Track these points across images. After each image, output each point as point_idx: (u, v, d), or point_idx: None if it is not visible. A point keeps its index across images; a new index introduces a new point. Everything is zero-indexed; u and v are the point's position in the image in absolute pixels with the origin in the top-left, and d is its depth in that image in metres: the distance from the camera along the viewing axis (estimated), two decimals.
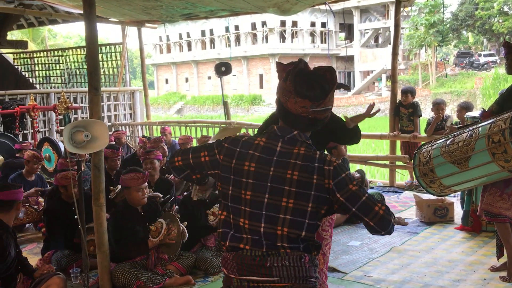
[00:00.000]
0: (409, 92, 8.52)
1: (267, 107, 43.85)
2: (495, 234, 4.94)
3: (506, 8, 43.40)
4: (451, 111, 22.32)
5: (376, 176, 11.50)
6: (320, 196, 2.18)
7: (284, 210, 2.18)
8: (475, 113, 6.09)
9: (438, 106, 8.12)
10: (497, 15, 43.00)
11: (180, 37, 54.07)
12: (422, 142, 4.99)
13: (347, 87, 2.45)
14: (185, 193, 6.29)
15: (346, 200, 2.17)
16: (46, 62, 16.37)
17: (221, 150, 2.33)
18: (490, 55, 44.28)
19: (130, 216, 4.85)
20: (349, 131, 3.54)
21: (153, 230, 4.79)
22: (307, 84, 2.19)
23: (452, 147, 4.39)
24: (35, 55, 17.08)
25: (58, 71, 15.97)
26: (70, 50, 16.30)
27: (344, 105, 40.04)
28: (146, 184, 4.97)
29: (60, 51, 16.70)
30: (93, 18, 4.31)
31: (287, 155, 2.22)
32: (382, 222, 2.17)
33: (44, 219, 5.35)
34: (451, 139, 4.49)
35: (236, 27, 48.48)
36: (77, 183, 4.57)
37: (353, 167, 8.51)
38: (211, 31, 50.91)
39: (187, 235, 4.94)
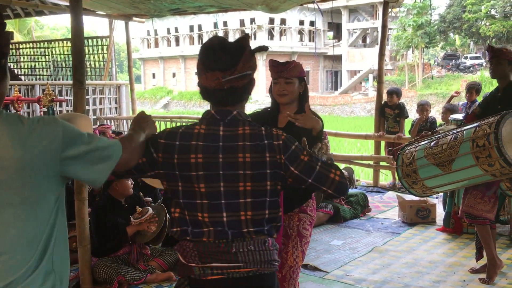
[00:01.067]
0: (394, 93, 8.56)
1: (254, 104, 43.80)
2: (475, 236, 4.99)
3: (493, 12, 43.79)
4: (436, 113, 22.47)
5: (361, 176, 11.54)
6: (276, 172, 2.13)
7: (243, 194, 2.11)
8: (459, 115, 6.14)
9: (423, 107, 8.17)
10: (484, 18, 43.36)
11: (168, 32, 53.83)
12: (405, 143, 5.01)
13: (265, 48, 2.25)
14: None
15: (300, 173, 2.14)
16: (32, 53, 16.22)
17: (158, 148, 2.16)
18: (477, 57, 44.62)
19: (113, 208, 4.83)
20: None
21: (137, 212, 4.79)
22: (214, 56, 2.11)
23: (436, 149, 4.42)
24: (20, 46, 16.90)
25: (44, 63, 15.82)
26: (57, 42, 16.16)
27: (330, 104, 40.18)
28: None
29: (46, 43, 16.54)
30: (79, 11, 4.28)
31: (233, 138, 2.12)
32: (339, 187, 2.18)
33: None
34: (435, 141, 4.52)
35: (225, 23, 48.38)
36: None
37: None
38: (200, 27, 50.75)
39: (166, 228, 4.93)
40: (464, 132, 4.29)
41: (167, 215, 4.88)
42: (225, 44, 2.15)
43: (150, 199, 5.65)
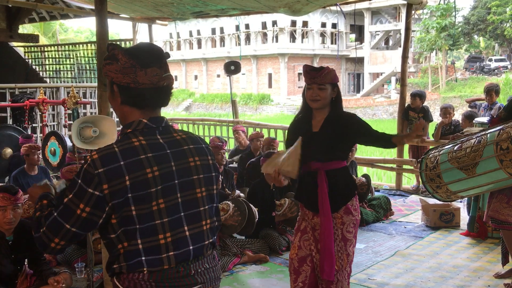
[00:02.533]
0: (418, 95, 8.48)
1: (275, 107, 43.83)
2: (500, 241, 4.92)
3: None
4: (460, 116, 22.19)
5: (383, 179, 11.47)
6: (216, 175, 2.11)
7: (201, 201, 2.02)
8: (484, 118, 6.06)
9: (446, 110, 8.09)
10: (510, 20, 42.75)
11: (190, 35, 54.14)
12: (431, 147, 4.97)
13: (168, 55, 2.06)
14: None
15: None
16: (57, 56, 16.43)
17: (98, 181, 1.84)
18: (501, 60, 44.02)
19: None
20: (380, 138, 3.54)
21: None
22: (147, 54, 1.96)
23: (460, 153, 4.37)
24: (45, 49, 17.13)
25: (68, 66, 16.03)
26: (81, 45, 16.34)
27: (352, 106, 39.96)
28: None
29: (70, 46, 16.74)
30: (104, 14, 4.33)
31: (176, 144, 2.00)
32: None
33: None
34: (458, 145, 4.47)
35: (247, 26, 48.49)
36: None
37: (360, 170, 8.48)
38: (221, 29, 50.95)
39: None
40: (488, 135, 4.24)
41: (250, 206, 5.27)
42: (145, 45, 2.05)
43: None
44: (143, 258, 1.90)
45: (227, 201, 5.31)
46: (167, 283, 1.92)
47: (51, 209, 1.95)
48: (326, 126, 3.35)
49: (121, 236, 1.89)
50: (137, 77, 1.93)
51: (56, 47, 17.21)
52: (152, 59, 1.95)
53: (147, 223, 1.89)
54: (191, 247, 1.97)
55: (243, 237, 5.72)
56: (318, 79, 3.33)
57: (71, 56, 15.91)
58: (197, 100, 50.20)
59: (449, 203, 6.49)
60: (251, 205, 5.39)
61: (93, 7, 5.49)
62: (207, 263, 2.04)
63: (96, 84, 4.43)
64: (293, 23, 46.53)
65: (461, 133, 4.87)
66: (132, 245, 1.89)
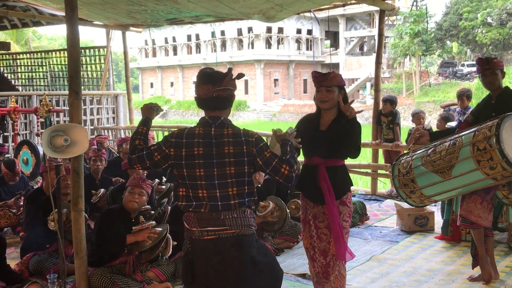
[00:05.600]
0: (388, 101, 8.56)
1: (252, 113, 43.90)
2: (471, 244, 4.97)
3: (489, 19, 43.97)
4: (434, 120, 22.50)
5: (359, 184, 11.53)
6: (250, 160, 3.02)
7: (229, 175, 2.99)
8: (454, 123, 6.14)
9: (418, 115, 8.19)
10: (481, 26, 43.53)
11: (166, 41, 53.96)
12: (405, 151, 5.01)
13: (242, 75, 3.21)
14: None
15: (263, 164, 3.02)
16: (29, 64, 16.22)
17: (170, 145, 3.04)
18: (473, 65, 44.48)
19: (118, 217, 4.79)
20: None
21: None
22: (208, 76, 3.08)
23: (434, 156, 4.40)
24: (18, 57, 16.91)
25: (41, 74, 15.83)
26: (54, 53, 16.15)
27: None
28: (140, 189, 4.90)
29: (43, 53, 16.55)
30: (75, 21, 4.27)
31: (221, 136, 3.01)
32: (287, 179, 3.03)
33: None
34: (432, 148, 4.51)
35: (222, 33, 48.53)
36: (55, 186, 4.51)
37: None
38: (197, 36, 50.90)
39: (170, 251, 4.89)
40: (463, 137, 4.28)
41: (169, 235, 4.88)
42: (214, 71, 3.11)
43: (149, 206, 5.63)
44: (192, 203, 3.00)
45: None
46: (204, 221, 2.98)
47: (143, 147, 3.17)
48: (332, 126, 3.73)
49: (180, 184, 3.06)
50: (198, 91, 3.11)
51: (28, 54, 17.00)
52: (209, 79, 3.05)
53: (192, 181, 3.00)
54: (219, 203, 2.98)
55: None
56: (326, 82, 3.69)
57: (44, 64, 15.73)
58: (174, 107, 49.99)
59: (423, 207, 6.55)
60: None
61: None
62: (236, 213, 2.99)
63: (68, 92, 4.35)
64: (269, 30, 46.71)
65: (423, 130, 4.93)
66: (186, 192, 3.03)
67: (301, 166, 3.83)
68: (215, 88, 3.02)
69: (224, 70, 3.20)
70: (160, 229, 4.82)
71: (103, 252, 4.73)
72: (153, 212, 5.53)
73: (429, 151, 4.50)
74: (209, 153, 2.98)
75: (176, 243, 4.93)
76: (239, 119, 42.88)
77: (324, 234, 3.78)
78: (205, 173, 2.97)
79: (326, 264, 3.76)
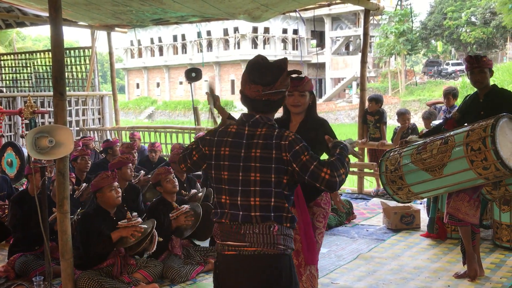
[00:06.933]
0: (374, 100, 8.61)
1: (239, 113, 43.64)
2: (459, 241, 5.02)
3: (473, 19, 44.40)
4: (419, 119, 22.60)
5: (345, 183, 11.57)
6: (279, 167, 2.59)
7: (253, 183, 2.60)
8: (437, 122, 6.19)
9: (404, 116, 8.24)
10: (465, 25, 43.92)
11: (152, 42, 53.73)
12: (387, 150, 5.04)
13: (299, 72, 2.85)
14: (154, 199, 6.25)
15: (300, 170, 2.57)
16: (14, 65, 16.05)
17: (205, 143, 2.76)
18: (458, 64, 45.04)
19: (101, 218, 4.77)
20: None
21: (127, 217, 4.77)
22: (258, 73, 2.62)
23: (425, 154, 4.42)
24: (2, 58, 16.73)
25: (25, 75, 15.68)
26: (38, 54, 16.01)
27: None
28: (117, 183, 4.91)
29: (28, 54, 16.40)
30: (59, 22, 4.24)
31: (252, 137, 2.63)
32: (329, 185, 2.57)
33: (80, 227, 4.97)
34: (422, 146, 4.54)
35: (208, 33, 48.43)
36: (40, 188, 4.48)
37: None
38: (183, 36, 50.74)
39: (154, 247, 4.88)
40: (455, 136, 4.31)
41: (154, 231, 4.86)
42: (268, 63, 2.66)
43: (136, 214, 5.65)
44: (217, 210, 2.71)
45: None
46: (225, 234, 2.66)
47: (192, 146, 2.85)
48: (301, 129, 3.71)
49: (213, 188, 2.82)
50: (244, 89, 2.68)
51: (12, 55, 16.81)
52: (260, 78, 2.61)
53: (218, 185, 2.70)
54: (240, 213, 2.62)
55: (207, 245, 5.67)
56: (300, 87, 3.68)
57: (29, 65, 15.57)
58: (160, 107, 49.79)
59: (409, 205, 6.60)
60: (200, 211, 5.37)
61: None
62: (258, 229, 2.60)
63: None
64: (255, 30, 46.70)
65: (407, 140, 4.95)
66: (215, 197, 2.74)
67: None
68: (266, 91, 2.62)
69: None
70: (145, 226, 4.81)
71: (92, 256, 4.71)
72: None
73: (419, 148, 4.53)
74: (236, 155, 2.63)
75: (162, 239, 4.94)
76: None
77: (297, 235, 3.66)
78: (229, 176, 2.65)
79: (298, 265, 3.76)
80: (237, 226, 2.63)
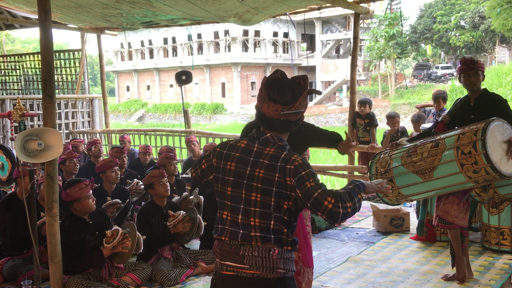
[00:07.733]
0: (365, 103, 8.65)
1: (229, 116, 43.85)
2: (448, 244, 5.04)
3: (462, 22, 44.73)
4: (409, 122, 22.71)
5: (336, 186, 11.60)
6: (281, 192, 2.49)
7: (254, 203, 2.53)
8: (429, 124, 6.22)
9: (393, 119, 8.28)
10: (454, 29, 44.25)
11: (142, 45, 53.63)
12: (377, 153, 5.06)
13: (318, 92, 2.77)
14: (143, 203, 6.23)
15: (302, 196, 2.45)
16: (3, 67, 15.95)
17: (214, 154, 2.69)
18: (447, 67, 45.39)
19: (78, 227, 4.73)
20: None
21: (108, 236, 4.68)
22: (278, 91, 2.50)
23: (415, 157, 4.45)
24: None
25: (14, 77, 15.58)
26: (27, 56, 15.91)
27: (305, 114, 40.18)
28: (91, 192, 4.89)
29: (17, 57, 16.28)
30: (48, 24, 4.23)
31: (259, 155, 2.55)
32: (330, 215, 2.44)
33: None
34: (412, 149, 4.56)
35: (199, 36, 48.42)
36: (29, 192, 4.46)
37: None
38: (174, 39, 50.68)
39: (141, 247, 4.86)
40: (445, 139, 4.33)
41: (138, 233, 4.83)
42: (288, 80, 2.55)
43: (119, 200, 5.70)
44: (218, 226, 2.64)
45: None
46: (224, 254, 2.59)
47: (204, 154, 2.94)
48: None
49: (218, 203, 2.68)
50: (262, 106, 2.55)
51: (2, 58, 16.70)
52: (280, 97, 2.50)
53: (221, 200, 2.64)
54: (240, 231, 2.54)
55: (197, 249, 5.66)
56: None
57: (18, 67, 15.47)
58: (150, 110, 49.67)
59: (399, 208, 6.63)
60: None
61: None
62: (257, 251, 2.52)
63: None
64: (245, 33, 46.74)
65: (397, 143, 4.98)
66: (218, 213, 2.66)
67: None
68: (285, 111, 2.51)
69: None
70: (122, 230, 4.75)
71: (84, 265, 4.67)
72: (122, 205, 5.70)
73: (410, 151, 4.55)
74: (242, 172, 2.55)
75: (145, 237, 4.90)
76: (216, 122, 42.80)
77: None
78: (232, 192, 2.58)
79: (297, 273, 3.74)
80: (236, 247, 2.55)
